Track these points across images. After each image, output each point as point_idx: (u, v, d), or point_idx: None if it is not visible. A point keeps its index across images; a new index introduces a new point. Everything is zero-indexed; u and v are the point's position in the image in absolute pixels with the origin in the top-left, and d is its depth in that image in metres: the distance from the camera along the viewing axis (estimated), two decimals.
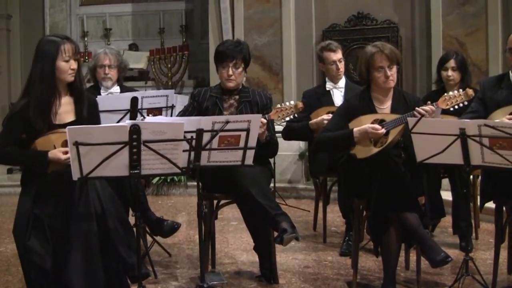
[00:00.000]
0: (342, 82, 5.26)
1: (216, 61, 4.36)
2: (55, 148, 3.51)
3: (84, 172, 3.26)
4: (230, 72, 4.27)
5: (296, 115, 4.32)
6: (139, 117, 4.46)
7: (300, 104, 4.17)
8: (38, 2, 10.85)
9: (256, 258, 4.43)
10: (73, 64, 3.61)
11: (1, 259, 5.04)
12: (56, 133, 3.55)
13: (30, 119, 3.53)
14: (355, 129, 3.94)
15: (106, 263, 3.46)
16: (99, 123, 3.81)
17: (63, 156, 3.40)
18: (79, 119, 3.64)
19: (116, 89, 5.10)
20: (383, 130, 3.90)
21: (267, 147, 4.18)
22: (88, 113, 3.70)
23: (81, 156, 3.22)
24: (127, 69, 5.43)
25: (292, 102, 4.19)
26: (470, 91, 3.99)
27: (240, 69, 4.29)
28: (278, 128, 4.78)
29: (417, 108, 3.88)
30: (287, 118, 4.29)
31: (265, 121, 4.04)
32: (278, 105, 4.19)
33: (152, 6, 10.85)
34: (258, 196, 3.93)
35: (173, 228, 4.71)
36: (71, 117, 3.67)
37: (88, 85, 5.79)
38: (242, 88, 4.40)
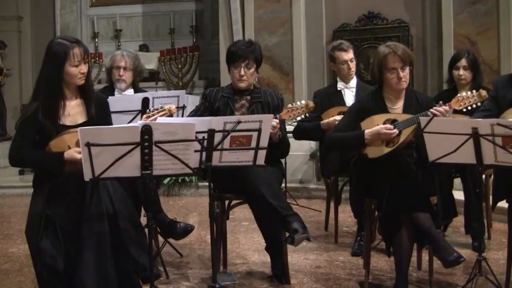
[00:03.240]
0: (353, 82, 5.25)
1: (228, 61, 4.36)
2: (69, 148, 3.52)
3: (95, 172, 3.26)
4: (242, 73, 4.27)
5: (307, 115, 4.31)
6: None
7: (311, 104, 4.17)
8: (49, 4, 10.89)
9: (267, 258, 4.43)
10: (83, 68, 3.61)
11: (14, 260, 5.06)
12: (69, 133, 3.56)
13: (40, 122, 3.55)
14: (366, 131, 3.93)
15: (117, 263, 3.46)
16: (110, 122, 3.82)
17: (79, 156, 3.40)
18: (91, 120, 3.65)
19: (130, 92, 5.09)
20: (396, 131, 3.88)
21: (278, 147, 4.18)
22: (99, 113, 3.71)
23: (93, 156, 3.23)
24: (143, 74, 5.42)
25: (303, 102, 4.19)
26: (484, 92, 3.97)
27: (252, 69, 4.28)
28: (289, 128, 4.77)
29: (431, 110, 3.86)
30: (298, 118, 4.28)
31: (277, 121, 4.03)
32: (289, 105, 4.19)
33: (163, 6, 10.87)
34: (269, 197, 3.93)
35: (187, 230, 4.71)
36: (82, 118, 3.68)
37: (102, 85, 5.82)
38: (254, 88, 4.40)
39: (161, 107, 4.13)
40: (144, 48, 10.66)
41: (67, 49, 3.56)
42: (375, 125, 3.95)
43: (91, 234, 3.40)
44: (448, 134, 3.54)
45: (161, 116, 4.03)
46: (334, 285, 4.23)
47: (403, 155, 3.91)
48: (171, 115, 4.16)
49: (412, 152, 4.01)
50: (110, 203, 3.46)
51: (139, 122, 3.39)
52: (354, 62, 5.25)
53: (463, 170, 4.82)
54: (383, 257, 4.65)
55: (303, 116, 4.26)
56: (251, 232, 5.65)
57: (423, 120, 3.61)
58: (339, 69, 5.24)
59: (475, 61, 5.22)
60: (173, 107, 4.15)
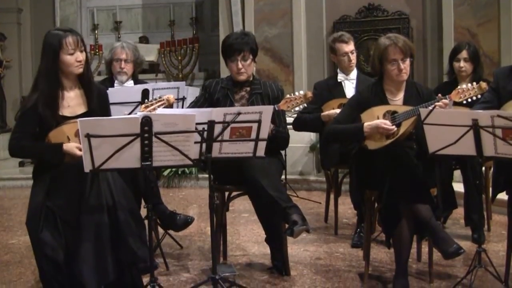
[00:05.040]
0: (353, 73, 5.24)
1: (224, 55, 4.35)
2: (68, 139, 3.52)
3: (95, 164, 3.26)
4: (240, 66, 4.26)
5: (305, 105, 4.30)
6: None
7: (309, 94, 4.16)
8: None
9: (267, 250, 4.44)
10: (79, 56, 3.60)
11: (14, 251, 5.07)
12: (68, 123, 3.56)
13: (40, 114, 3.55)
14: (365, 124, 3.93)
15: (116, 255, 3.47)
16: (109, 114, 3.82)
17: (79, 153, 3.40)
18: (91, 111, 3.65)
19: (130, 83, 5.09)
20: (394, 128, 3.88)
21: (273, 141, 4.13)
22: (98, 104, 3.71)
23: (93, 148, 3.23)
24: (143, 65, 5.42)
25: (301, 92, 4.19)
26: (484, 85, 3.96)
27: (248, 61, 4.27)
28: (289, 120, 4.76)
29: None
30: (297, 108, 4.27)
31: None
32: (288, 95, 4.19)
33: None
34: (269, 188, 3.92)
35: (187, 222, 4.71)
36: (82, 109, 3.68)
37: (102, 77, 5.81)
38: (253, 80, 4.39)
39: (160, 97, 4.12)
40: (144, 40, 10.64)
41: (60, 38, 3.57)
42: (375, 117, 3.95)
43: (90, 226, 3.40)
44: (448, 126, 3.53)
45: (159, 106, 4.01)
46: (334, 276, 4.24)
47: (403, 147, 3.91)
48: (170, 105, 4.15)
49: (412, 144, 4.01)
50: (110, 195, 3.47)
51: (139, 114, 3.38)
52: (355, 54, 5.25)
53: (463, 162, 4.82)
54: (383, 249, 4.66)
55: (301, 107, 4.25)
56: (251, 224, 5.65)
57: (423, 111, 3.61)
58: (340, 61, 5.24)
59: (475, 53, 5.21)
60: (172, 96, 4.14)
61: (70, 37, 3.58)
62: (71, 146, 3.49)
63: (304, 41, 8.03)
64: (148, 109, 3.96)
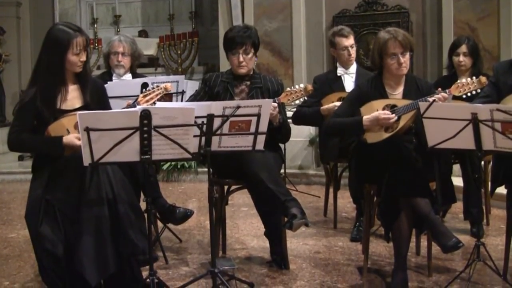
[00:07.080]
0: (353, 67, 5.24)
1: (225, 48, 4.35)
2: (68, 132, 3.53)
3: (95, 157, 3.26)
4: (241, 59, 4.25)
5: (305, 98, 4.30)
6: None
7: (310, 87, 4.16)
8: None
9: (266, 243, 4.44)
10: (83, 57, 3.62)
11: (13, 245, 5.07)
12: (67, 116, 3.57)
13: (38, 108, 3.55)
14: (364, 117, 3.93)
15: (116, 247, 3.47)
16: (108, 107, 3.82)
17: (78, 142, 3.40)
18: (87, 104, 3.66)
19: (128, 77, 5.08)
20: (395, 117, 3.87)
21: (279, 131, 4.18)
22: (95, 97, 3.72)
23: (92, 141, 3.22)
24: (141, 58, 5.41)
25: (301, 85, 4.18)
26: (484, 79, 3.96)
27: (250, 54, 4.27)
28: (289, 114, 4.76)
29: (429, 99, 3.84)
30: (297, 101, 4.27)
31: (275, 104, 4.02)
32: (288, 88, 4.18)
33: None
34: (268, 182, 3.92)
35: (186, 215, 4.71)
36: (79, 103, 3.68)
37: (101, 71, 5.80)
38: (254, 74, 4.38)
39: (157, 86, 4.09)
40: (143, 34, 10.65)
41: (70, 38, 3.57)
42: (374, 111, 3.95)
43: (90, 218, 3.40)
44: (447, 120, 3.53)
45: (157, 95, 4.00)
46: (333, 270, 4.24)
47: (403, 141, 3.90)
48: (168, 94, 4.12)
49: (412, 138, 4.01)
50: (110, 188, 3.47)
51: (138, 107, 3.38)
52: (355, 48, 5.24)
53: (462, 156, 4.82)
54: (382, 243, 4.66)
55: (301, 100, 4.25)
56: (250, 218, 5.66)
57: (422, 105, 3.60)
58: (339, 55, 5.23)
59: (475, 48, 5.21)
60: (169, 85, 4.11)
61: (80, 38, 3.60)
62: (71, 137, 3.50)
63: (304, 35, 8.02)
64: (146, 98, 3.95)
